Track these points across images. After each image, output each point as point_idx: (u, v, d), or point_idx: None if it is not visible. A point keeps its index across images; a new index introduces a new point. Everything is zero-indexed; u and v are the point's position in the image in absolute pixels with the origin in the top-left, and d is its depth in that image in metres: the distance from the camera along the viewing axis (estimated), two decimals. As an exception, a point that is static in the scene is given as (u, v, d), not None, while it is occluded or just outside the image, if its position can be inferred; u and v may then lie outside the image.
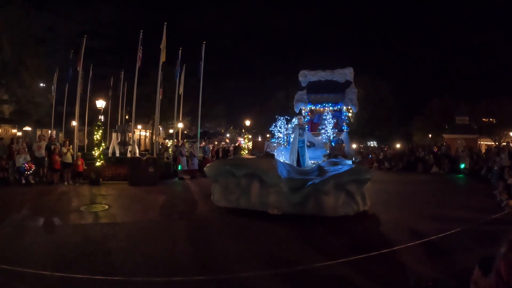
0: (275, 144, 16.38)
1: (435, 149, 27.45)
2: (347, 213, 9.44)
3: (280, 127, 16.00)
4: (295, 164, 13.43)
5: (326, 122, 16.70)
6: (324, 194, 9.32)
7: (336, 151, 13.97)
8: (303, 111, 19.48)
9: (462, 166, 21.99)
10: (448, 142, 33.71)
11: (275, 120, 16.98)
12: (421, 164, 23.91)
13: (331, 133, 16.55)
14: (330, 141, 16.16)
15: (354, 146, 41.08)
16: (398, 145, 41.86)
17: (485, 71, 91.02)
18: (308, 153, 14.22)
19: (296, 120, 16.91)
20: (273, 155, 12.36)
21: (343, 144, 15.76)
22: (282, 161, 14.24)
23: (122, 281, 5.36)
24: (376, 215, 10.06)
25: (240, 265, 6.13)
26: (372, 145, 53.83)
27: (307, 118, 19.41)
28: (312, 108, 19.74)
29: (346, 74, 20.16)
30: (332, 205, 9.37)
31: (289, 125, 16.06)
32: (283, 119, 15.97)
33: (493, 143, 39.96)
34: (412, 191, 15.27)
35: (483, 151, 27.20)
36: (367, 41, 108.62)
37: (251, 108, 65.09)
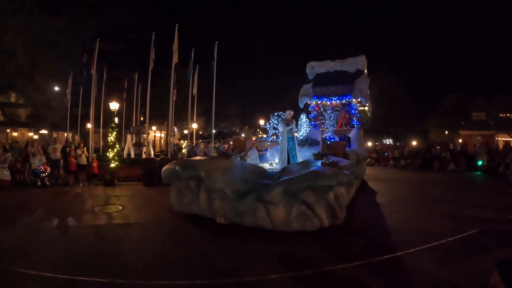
0: (268, 143, 15.09)
1: (451, 146, 27.09)
2: (304, 229, 7.96)
3: (277, 124, 14.41)
4: (285, 164, 12.13)
5: (326, 116, 15.44)
6: (269, 203, 8.03)
7: (331, 150, 12.34)
8: (310, 106, 18.23)
9: (479, 163, 21.63)
10: (465, 138, 33.39)
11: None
12: (437, 162, 23.60)
13: (331, 129, 15.25)
14: (324, 139, 14.60)
15: (369, 144, 40.75)
16: (414, 143, 41.35)
17: (501, 65, 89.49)
18: (305, 152, 13.27)
19: (303, 117, 15.75)
20: (229, 154, 10.73)
21: (342, 142, 14.04)
22: (274, 163, 13.49)
23: (125, 284, 5.36)
24: (361, 225, 9.02)
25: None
26: (387, 142, 53.33)
27: (314, 114, 17.59)
28: (318, 102, 18.03)
29: (357, 63, 18.46)
30: (282, 218, 8.00)
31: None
32: (276, 114, 14.27)
33: (511, 139, 39.29)
34: (427, 189, 14.98)
35: (501, 147, 26.73)
36: (381, 37, 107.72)
37: (265, 107, 64.80)
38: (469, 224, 8.57)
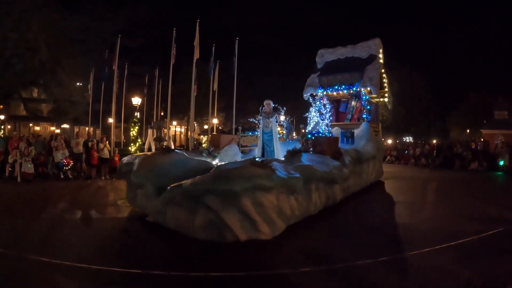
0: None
1: (473, 145, 26.63)
2: (212, 238, 6.64)
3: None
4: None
5: (322, 110, 13.63)
6: (173, 204, 7.24)
7: (318, 146, 10.87)
8: (316, 98, 15.91)
9: (501, 163, 21.19)
10: (487, 137, 32.77)
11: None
12: (458, 161, 23.21)
13: (322, 123, 13.24)
14: (305, 134, 12.73)
15: (389, 141, 40.31)
16: (434, 141, 40.83)
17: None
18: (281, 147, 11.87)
19: (313, 110, 13.98)
20: (172, 150, 9.81)
21: (333, 138, 12.32)
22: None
23: (152, 275, 5.39)
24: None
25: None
26: (408, 140, 52.78)
27: (319, 107, 14.60)
28: (324, 93, 16.16)
29: (371, 47, 16.32)
30: (188, 223, 6.94)
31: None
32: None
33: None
34: (447, 189, 14.57)
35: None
36: (401, 34, 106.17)
37: (286, 103, 64.56)
38: (490, 224, 8.17)
